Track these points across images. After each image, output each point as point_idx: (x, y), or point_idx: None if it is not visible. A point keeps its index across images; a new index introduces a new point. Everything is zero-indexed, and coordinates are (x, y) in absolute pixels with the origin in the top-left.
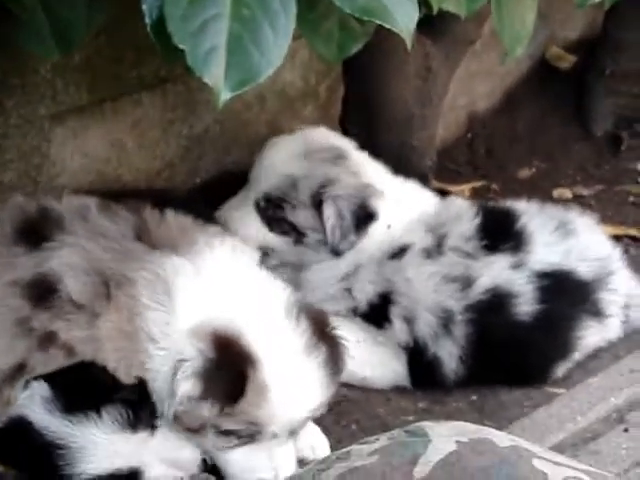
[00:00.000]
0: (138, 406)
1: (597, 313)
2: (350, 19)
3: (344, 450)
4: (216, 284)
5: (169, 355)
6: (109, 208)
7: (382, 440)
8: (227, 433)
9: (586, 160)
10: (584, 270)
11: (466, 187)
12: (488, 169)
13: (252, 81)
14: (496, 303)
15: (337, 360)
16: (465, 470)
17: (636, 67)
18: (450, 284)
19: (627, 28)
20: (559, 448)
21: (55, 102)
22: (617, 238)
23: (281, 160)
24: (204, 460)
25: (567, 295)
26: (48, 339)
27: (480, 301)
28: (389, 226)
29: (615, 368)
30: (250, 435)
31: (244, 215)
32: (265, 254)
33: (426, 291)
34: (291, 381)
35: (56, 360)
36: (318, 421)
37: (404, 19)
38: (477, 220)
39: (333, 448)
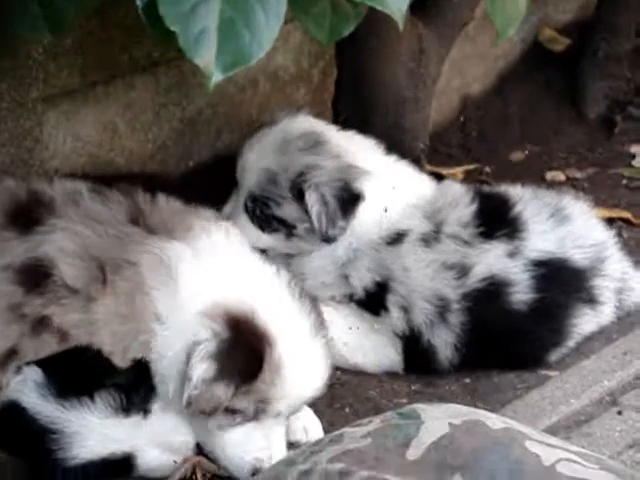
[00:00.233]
0: (131, 390)
1: (592, 300)
2: (342, 1)
3: (337, 433)
4: (218, 266)
5: (178, 336)
6: (101, 192)
7: (375, 423)
8: (233, 412)
9: (579, 143)
10: (579, 257)
11: (459, 170)
12: (481, 152)
13: (243, 63)
14: (492, 292)
15: (329, 343)
16: (458, 452)
17: (629, 50)
18: (447, 272)
19: (620, 11)
20: (552, 430)
21: (47, 85)
22: (610, 221)
23: (258, 157)
24: (197, 444)
25: (562, 283)
26: (41, 324)
27: (476, 289)
28: (386, 209)
29: (608, 351)
30: (255, 414)
31: (237, 220)
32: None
33: (423, 279)
34: (302, 359)
35: (49, 345)
36: (311, 404)
37: (396, 1)
38: (473, 206)
39: (326, 431)
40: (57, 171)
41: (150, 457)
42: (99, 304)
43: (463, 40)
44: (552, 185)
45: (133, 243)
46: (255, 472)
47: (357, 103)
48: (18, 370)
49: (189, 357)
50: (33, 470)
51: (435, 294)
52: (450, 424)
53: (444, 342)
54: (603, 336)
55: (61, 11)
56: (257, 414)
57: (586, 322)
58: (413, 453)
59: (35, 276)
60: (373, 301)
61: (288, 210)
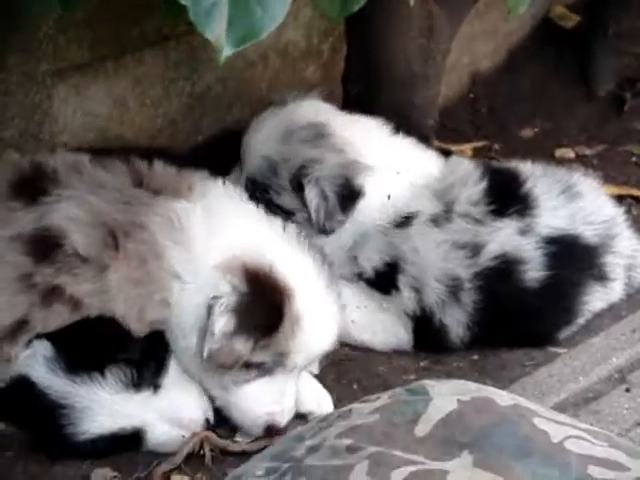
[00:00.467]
0: (142, 366)
1: (602, 277)
2: None
3: (345, 408)
4: (228, 222)
5: (197, 291)
6: (102, 160)
7: (383, 399)
8: (249, 366)
9: (589, 120)
10: (590, 234)
11: (468, 147)
12: (490, 129)
13: (254, 38)
14: (504, 270)
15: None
16: (466, 429)
17: None
18: (459, 251)
19: None
20: (560, 408)
21: (57, 59)
22: (620, 198)
23: (261, 142)
24: (206, 420)
25: (574, 261)
26: (52, 294)
27: (489, 268)
28: (389, 196)
29: (617, 328)
30: (272, 368)
31: None
32: None
33: (435, 260)
34: (319, 312)
35: (60, 315)
36: (320, 379)
37: None
38: (484, 183)
39: (334, 407)
40: (66, 145)
41: (159, 432)
42: (112, 271)
43: (473, 16)
44: (562, 162)
45: (141, 205)
46: (268, 426)
47: (367, 79)
48: (28, 344)
49: (209, 311)
50: (42, 445)
51: (447, 274)
52: (458, 401)
53: (456, 321)
54: (612, 313)
55: None
56: (274, 368)
57: (596, 299)
58: (421, 429)
59: (45, 246)
60: (383, 280)
61: (287, 200)
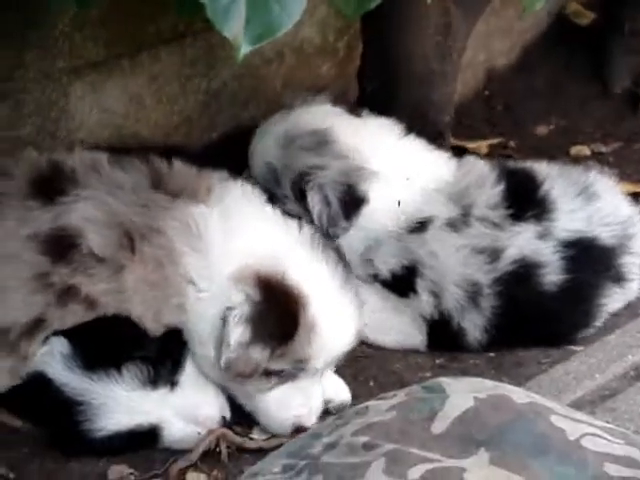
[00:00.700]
0: (158, 363)
1: (620, 279)
2: None
3: (362, 406)
4: (244, 227)
5: (212, 300)
6: (120, 160)
7: (400, 396)
8: (270, 374)
9: (604, 117)
10: (607, 235)
11: (483, 144)
12: (506, 126)
13: (272, 35)
14: (523, 274)
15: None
16: (483, 426)
17: None
18: (478, 256)
19: None
20: (577, 405)
21: (73, 56)
22: (635, 196)
23: (264, 148)
24: (223, 417)
25: (592, 263)
26: (67, 294)
27: (508, 273)
28: (399, 202)
29: (633, 326)
30: (293, 373)
31: None
32: None
33: (454, 265)
34: (335, 315)
35: (75, 315)
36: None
37: None
38: (501, 186)
39: (350, 404)
40: (83, 142)
41: (176, 429)
42: (128, 272)
43: (489, 14)
44: (577, 159)
45: (158, 209)
46: (296, 429)
47: (382, 76)
48: (45, 341)
49: (224, 322)
50: (58, 442)
51: (466, 279)
52: (475, 398)
53: (474, 325)
54: (628, 311)
55: None
56: (295, 374)
57: (614, 301)
58: (438, 427)
59: (61, 245)
60: (401, 283)
61: (290, 206)
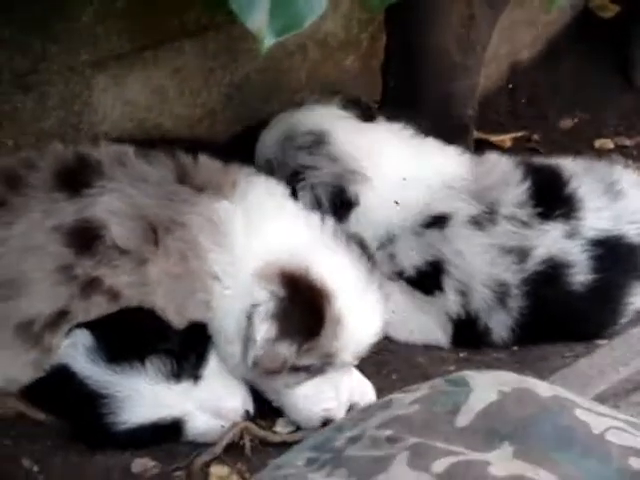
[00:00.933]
0: (182, 356)
1: None
2: None
3: (385, 399)
4: (268, 222)
5: (237, 297)
6: (146, 154)
7: (423, 389)
8: (298, 369)
9: (629, 110)
10: (634, 233)
11: (507, 137)
12: (529, 119)
13: (296, 27)
14: (551, 274)
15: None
16: (507, 420)
17: None
18: (506, 256)
19: None
20: (600, 399)
21: (97, 49)
22: None
23: (266, 145)
24: (247, 411)
25: (619, 262)
26: (91, 286)
27: (536, 273)
28: (397, 202)
29: None
30: (321, 367)
31: None
32: None
33: (482, 264)
34: (360, 307)
35: (99, 307)
36: (359, 371)
37: None
38: (527, 184)
39: None
40: (106, 135)
41: (199, 422)
42: (151, 264)
43: (512, 6)
44: (601, 153)
45: (182, 203)
46: (325, 422)
47: (406, 69)
48: (68, 333)
49: (249, 319)
50: (82, 435)
51: (495, 280)
52: (499, 391)
53: (501, 324)
54: None
55: None
56: (323, 368)
57: None
58: (462, 420)
59: (85, 238)
60: (427, 280)
61: None
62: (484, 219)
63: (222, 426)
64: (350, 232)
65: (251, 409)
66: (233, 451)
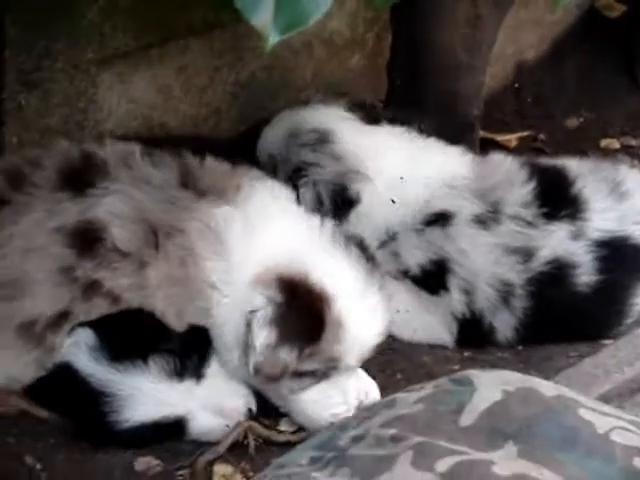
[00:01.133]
0: (185, 355)
1: None
2: None
3: (389, 398)
4: (267, 227)
5: (235, 305)
6: (152, 154)
7: (427, 388)
8: (302, 375)
9: (635, 110)
10: (639, 234)
11: (513, 136)
12: (535, 118)
13: (301, 25)
14: (556, 275)
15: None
16: (511, 419)
17: None
18: (511, 256)
19: None
20: (605, 399)
21: (102, 47)
22: None
23: (269, 141)
24: (249, 409)
25: (624, 263)
26: (91, 288)
27: (541, 273)
28: (393, 201)
29: None
30: (325, 372)
31: None
32: None
33: (486, 264)
34: (362, 310)
35: (100, 309)
36: (364, 370)
37: None
38: (532, 184)
39: None
40: (111, 133)
41: (203, 421)
42: (152, 268)
43: (518, 6)
44: (606, 152)
45: (182, 209)
46: None
47: (412, 68)
48: (70, 332)
49: (249, 326)
50: (85, 433)
51: (499, 279)
52: (503, 391)
53: (505, 324)
54: None
55: None
56: (328, 373)
57: None
58: (466, 419)
59: (87, 239)
60: (432, 279)
61: None
62: (488, 218)
63: (226, 425)
64: (350, 233)
65: (254, 408)
66: (237, 450)
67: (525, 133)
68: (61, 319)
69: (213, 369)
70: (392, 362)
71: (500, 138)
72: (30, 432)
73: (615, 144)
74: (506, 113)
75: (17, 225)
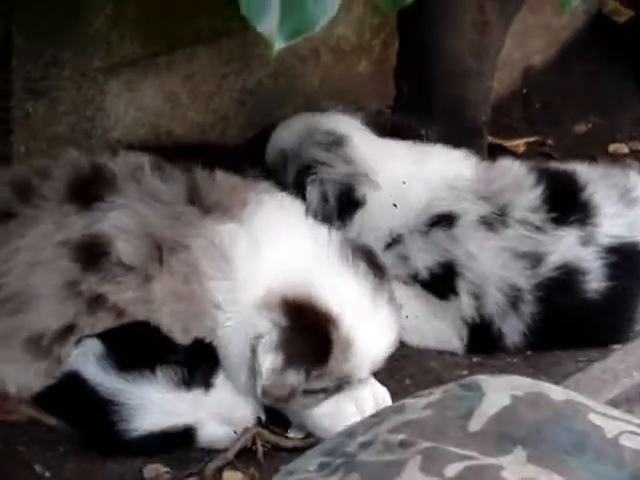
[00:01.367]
0: (193, 365)
1: None
2: None
3: (398, 404)
4: (272, 246)
5: (239, 328)
6: (162, 168)
7: (436, 394)
8: (315, 392)
9: None
10: None
11: (521, 142)
12: (543, 124)
13: (307, 31)
14: (565, 281)
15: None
16: (520, 424)
17: None
18: (519, 261)
19: None
20: (614, 403)
21: (109, 55)
22: None
23: (282, 136)
24: (258, 418)
25: (633, 269)
26: (96, 302)
27: (550, 279)
28: (395, 205)
29: None
30: (338, 387)
31: None
32: None
33: (494, 267)
34: (370, 325)
35: (105, 322)
36: (372, 376)
37: None
38: (541, 189)
39: None
40: (119, 141)
41: (211, 430)
42: (156, 282)
43: (526, 11)
44: (615, 157)
45: (187, 225)
46: None
47: (419, 74)
48: (78, 342)
49: (254, 350)
50: (93, 441)
51: (508, 283)
52: (512, 396)
53: (513, 329)
54: None
55: None
56: (341, 387)
57: None
58: (474, 425)
59: (92, 253)
60: (441, 284)
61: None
62: (495, 220)
63: (235, 432)
64: (357, 241)
65: (263, 417)
66: (245, 456)
67: (533, 139)
68: (67, 332)
69: (221, 379)
70: (401, 368)
71: (508, 144)
72: (40, 440)
73: (623, 149)
74: (514, 119)
75: (24, 238)
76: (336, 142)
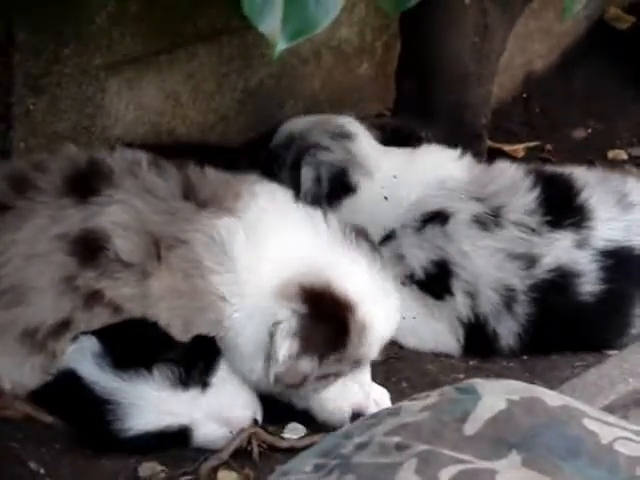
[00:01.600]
0: (190, 364)
1: None
2: None
3: (394, 406)
4: (270, 237)
5: (253, 317)
6: (158, 164)
7: (432, 397)
8: (326, 376)
9: None
10: None
11: (520, 147)
12: (543, 129)
13: (309, 32)
14: (560, 283)
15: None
16: (515, 428)
17: None
18: (514, 262)
19: None
20: (609, 409)
21: (110, 52)
22: None
23: (295, 122)
24: (254, 419)
25: (629, 273)
26: (93, 298)
27: (544, 280)
28: (386, 198)
29: None
30: (349, 370)
31: None
32: None
33: (488, 267)
34: (380, 308)
35: (101, 318)
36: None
37: None
38: (537, 192)
39: None
40: (119, 139)
41: (207, 430)
42: (154, 279)
43: (527, 16)
44: (614, 163)
45: (184, 220)
46: (355, 417)
47: (420, 77)
48: (74, 339)
49: (271, 336)
50: (88, 439)
51: (501, 283)
52: (508, 400)
53: (507, 330)
54: None
55: None
56: (352, 370)
57: None
58: (470, 428)
59: (89, 248)
60: (436, 283)
61: (284, 175)
62: (488, 220)
63: (230, 432)
64: (354, 225)
65: (260, 417)
66: (241, 456)
67: (533, 143)
68: (62, 328)
69: (219, 378)
70: (397, 370)
71: (508, 148)
72: (34, 437)
73: (622, 155)
74: (514, 123)
75: (20, 231)
76: (342, 134)
